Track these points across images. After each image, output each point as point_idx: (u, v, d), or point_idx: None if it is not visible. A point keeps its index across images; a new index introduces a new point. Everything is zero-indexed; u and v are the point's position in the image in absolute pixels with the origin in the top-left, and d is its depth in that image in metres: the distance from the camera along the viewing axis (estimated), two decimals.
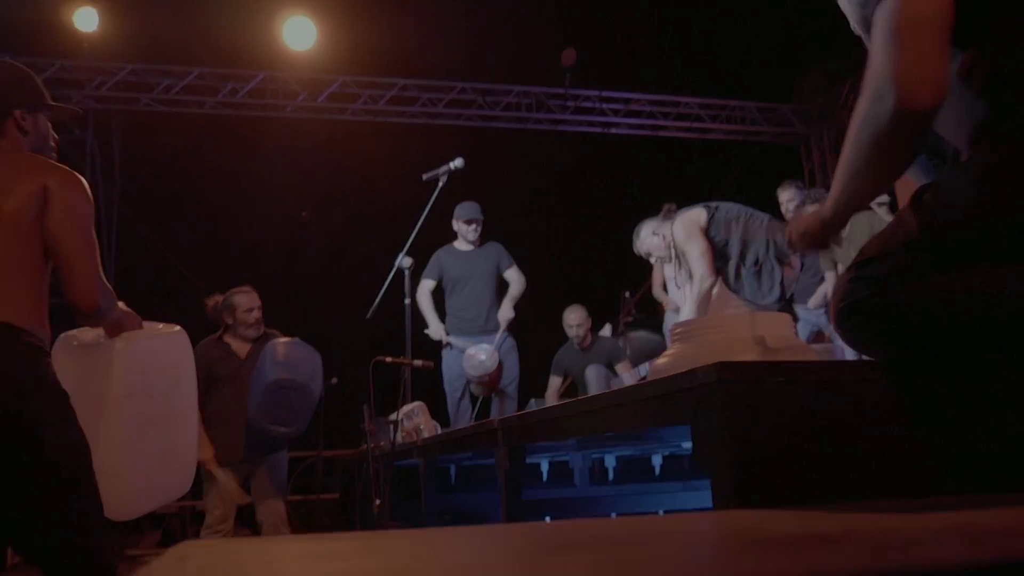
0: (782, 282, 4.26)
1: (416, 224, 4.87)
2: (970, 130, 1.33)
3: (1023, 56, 1.29)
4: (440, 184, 4.91)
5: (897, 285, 1.31)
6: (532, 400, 5.60)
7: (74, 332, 2.36)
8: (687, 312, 4.35)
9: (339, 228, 8.82)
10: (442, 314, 5.91)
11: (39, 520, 1.98)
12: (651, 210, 4.68)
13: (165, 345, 2.43)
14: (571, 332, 6.14)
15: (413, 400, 4.45)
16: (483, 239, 5.96)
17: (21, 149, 2.17)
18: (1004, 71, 1.29)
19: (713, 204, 4.43)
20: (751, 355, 1.70)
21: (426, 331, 5.74)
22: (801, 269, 5.90)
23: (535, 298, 6.07)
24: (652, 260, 4.84)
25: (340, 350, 8.93)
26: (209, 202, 9.01)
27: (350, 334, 9.09)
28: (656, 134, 9.64)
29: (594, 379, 5.82)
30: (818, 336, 6.14)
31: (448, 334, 5.82)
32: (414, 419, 3.99)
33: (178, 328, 2.52)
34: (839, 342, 5.62)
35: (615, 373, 6.01)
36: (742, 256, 4.27)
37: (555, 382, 6.22)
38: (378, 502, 3.81)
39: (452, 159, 4.89)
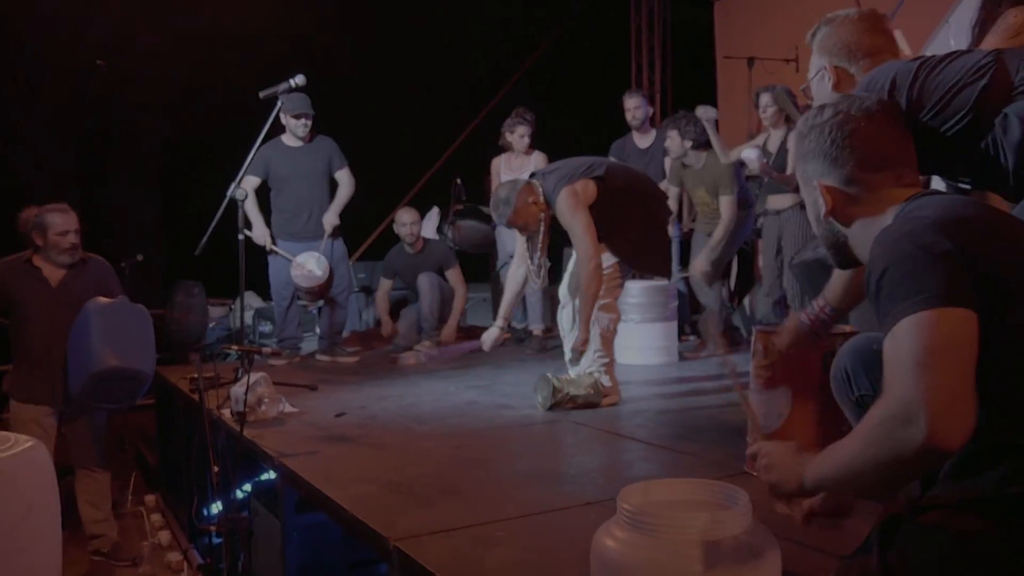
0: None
1: (252, 149, 4.41)
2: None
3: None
4: (279, 104, 4.43)
5: None
6: None
7: None
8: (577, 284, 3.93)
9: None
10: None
11: None
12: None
13: (16, 467, 2.13)
14: (404, 231, 5.93)
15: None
16: (314, 133, 5.50)
17: None
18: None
19: (600, 168, 3.90)
20: None
21: (248, 232, 5.20)
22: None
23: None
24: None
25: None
26: None
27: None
28: None
29: (427, 288, 5.75)
30: None
31: (274, 237, 5.46)
32: (257, 390, 3.78)
33: (32, 442, 2.21)
34: None
35: (445, 279, 5.96)
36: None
37: (385, 284, 6.09)
38: (216, 469, 3.65)
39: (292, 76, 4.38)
